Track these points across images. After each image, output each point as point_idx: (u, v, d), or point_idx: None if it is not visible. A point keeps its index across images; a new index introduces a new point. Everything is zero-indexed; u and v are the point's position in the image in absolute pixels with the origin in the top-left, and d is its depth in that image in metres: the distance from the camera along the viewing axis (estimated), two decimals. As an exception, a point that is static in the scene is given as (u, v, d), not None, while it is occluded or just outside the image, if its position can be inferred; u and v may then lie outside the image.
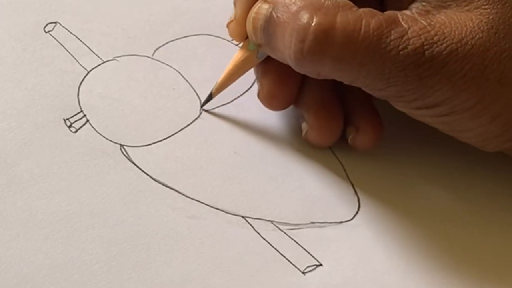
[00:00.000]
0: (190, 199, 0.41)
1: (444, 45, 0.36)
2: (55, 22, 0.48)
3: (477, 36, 0.36)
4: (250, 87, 0.46)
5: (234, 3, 0.41)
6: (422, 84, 0.36)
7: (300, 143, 0.43)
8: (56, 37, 0.47)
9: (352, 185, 0.42)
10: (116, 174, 0.41)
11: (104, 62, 0.46)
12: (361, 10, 0.37)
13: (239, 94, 0.45)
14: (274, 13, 0.38)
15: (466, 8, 0.37)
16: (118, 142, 0.43)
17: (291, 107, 0.43)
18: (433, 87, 0.36)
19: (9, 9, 0.48)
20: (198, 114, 0.44)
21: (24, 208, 0.40)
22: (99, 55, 0.46)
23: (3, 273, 0.38)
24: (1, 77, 0.45)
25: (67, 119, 0.43)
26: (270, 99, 0.42)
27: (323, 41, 0.37)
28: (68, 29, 0.48)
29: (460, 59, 0.36)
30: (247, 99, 0.45)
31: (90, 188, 0.41)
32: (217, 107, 0.44)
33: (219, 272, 0.38)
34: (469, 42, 0.36)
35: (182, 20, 0.48)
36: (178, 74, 0.46)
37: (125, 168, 0.42)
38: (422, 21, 0.37)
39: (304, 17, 0.37)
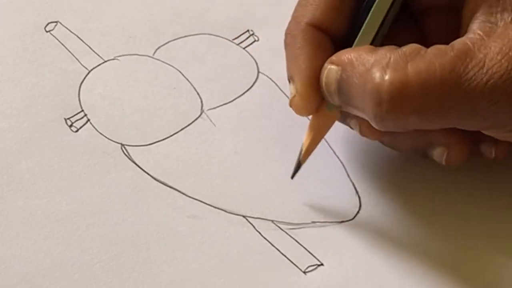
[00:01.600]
0: (190, 199, 0.41)
1: None
2: (56, 22, 0.48)
3: None
4: (251, 87, 0.46)
5: (291, 79, 0.39)
6: None
7: (300, 142, 0.43)
8: (57, 37, 0.47)
9: (353, 184, 0.42)
10: (117, 173, 0.41)
11: (105, 61, 0.46)
12: (430, 52, 0.36)
13: (240, 94, 0.45)
14: (343, 75, 0.37)
15: None
16: (119, 141, 0.43)
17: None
18: None
19: (9, 8, 0.48)
20: (198, 113, 0.44)
21: (24, 208, 0.40)
22: (100, 55, 0.46)
23: (3, 273, 0.38)
24: (2, 76, 0.45)
25: (68, 118, 0.43)
26: (373, 131, 0.39)
27: (400, 99, 0.35)
28: (69, 28, 0.48)
29: None
30: (247, 99, 0.45)
31: (90, 188, 0.41)
32: (218, 106, 0.44)
33: (220, 272, 0.38)
34: None
35: (183, 19, 0.48)
36: (179, 73, 0.46)
37: (126, 167, 0.42)
38: (496, 44, 0.35)
39: (375, 77, 0.35)
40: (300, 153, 0.40)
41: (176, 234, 0.39)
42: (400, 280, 0.39)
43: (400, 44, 0.37)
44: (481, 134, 0.38)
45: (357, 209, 0.41)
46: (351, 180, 0.42)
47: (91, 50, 0.47)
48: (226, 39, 0.47)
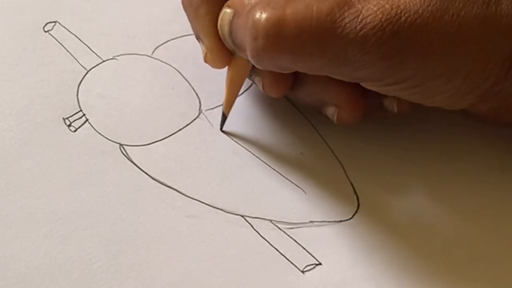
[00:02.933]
0: (189, 198, 0.41)
1: (403, 18, 0.35)
2: (55, 22, 0.48)
3: (433, 2, 0.36)
4: (249, 87, 0.46)
5: (198, 38, 0.41)
6: (390, 63, 0.36)
7: (300, 142, 0.43)
8: (55, 37, 0.47)
9: (351, 184, 0.42)
10: (116, 173, 0.41)
11: (104, 61, 0.46)
12: None
13: (238, 94, 0.45)
14: (235, 17, 0.38)
15: None
16: (118, 141, 0.43)
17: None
18: (401, 63, 0.36)
19: (8, 8, 0.48)
20: (197, 113, 0.44)
21: (23, 207, 0.40)
22: (99, 54, 0.46)
23: (3, 272, 0.38)
24: (1, 76, 0.45)
25: (67, 118, 0.44)
26: (275, 87, 0.42)
27: (275, 36, 0.36)
28: (68, 28, 0.48)
29: (422, 29, 0.35)
30: (246, 99, 0.45)
31: (89, 187, 0.41)
32: (217, 106, 0.44)
33: (218, 271, 0.38)
34: (427, 10, 0.36)
35: (182, 19, 0.48)
36: (178, 73, 0.46)
37: (125, 167, 0.42)
38: None
39: (255, 14, 0.37)
40: (223, 104, 0.42)
41: (175, 233, 0.39)
42: (398, 280, 0.39)
43: None
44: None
45: (355, 209, 0.41)
46: (349, 180, 0.42)
47: (89, 50, 0.47)
48: (225, 39, 0.47)
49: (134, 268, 0.38)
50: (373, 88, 0.38)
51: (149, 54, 0.47)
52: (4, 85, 0.45)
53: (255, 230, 0.40)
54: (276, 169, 0.42)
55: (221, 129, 0.43)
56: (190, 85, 0.45)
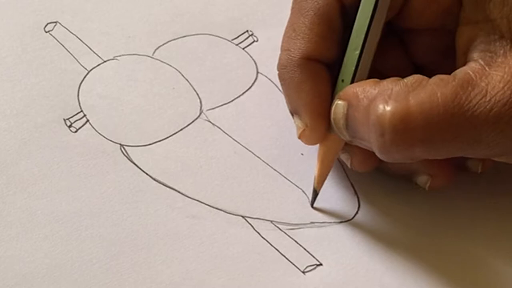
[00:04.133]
0: (190, 199, 0.41)
1: None
2: (55, 22, 0.48)
3: None
4: (250, 87, 0.46)
5: (295, 114, 0.40)
6: None
7: (300, 143, 0.43)
8: (56, 37, 0.47)
9: (352, 185, 0.42)
10: (116, 173, 0.41)
11: (104, 61, 0.46)
12: (432, 82, 0.36)
13: (239, 94, 0.45)
14: (350, 110, 0.37)
15: None
16: (118, 142, 0.43)
17: None
18: None
19: (9, 9, 0.48)
20: (198, 113, 0.44)
21: (23, 208, 0.40)
22: (99, 55, 0.46)
23: (3, 273, 0.38)
24: (1, 77, 0.45)
25: (67, 119, 0.44)
26: (364, 163, 0.41)
27: (402, 129, 0.35)
28: (68, 28, 0.48)
29: None
30: (246, 100, 0.45)
31: (90, 188, 0.41)
32: (217, 107, 0.44)
33: (219, 272, 0.38)
34: None
35: (182, 19, 0.48)
36: (178, 73, 0.46)
37: (125, 168, 0.42)
38: (497, 73, 0.35)
39: (378, 108, 0.36)
40: (314, 181, 0.41)
41: (175, 234, 0.39)
42: (399, 280, 0.39)
43: (387, 66, 0.38)
44: None
45: (356, 210, 0.41)
46: (350, 181, 0.42)
47: (90, 50, 0.47)
48: (226, 39, 0.47)
49: (134, 268, 0.38)
50: (503, 160, 0.37)
51: (150, 55, 0.47)
52: (4, 85, 0.45)
53: (255, 230, 0.40)
54: (277, 170, 0.42)
55: (312, 205, 0.41)
56: (191, 85, 0.45)
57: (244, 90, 0.45)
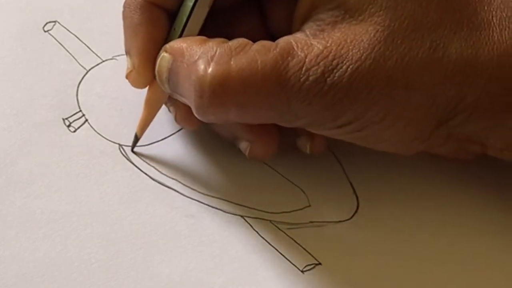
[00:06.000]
0: (189, 199, 0.41)
1: (345, 67, 0.35)
2: (54, 21, 0.48)
3: (376, 48, 0.35)
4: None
5: (128, 53, 0.40)
6: (331, 111, 0.36)
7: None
8: (55, 36, 0.47)
9: (351, 184, 0.42)
10: (115, 173, 0.41)
11: (103, 61, 0.46)
12: (255, 48, 0.36)
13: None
14: (174, 64, 0.38)
15: (360, 18, 0.36)
16: (117, 141, 0.43)
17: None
18: (342, 110, 0.36)
19: (8, 8, 0.48)
20: (197, 113, 0.44)
21: (22, 207, 0.40)
22: (98, 54, 0.46)
23: (2, 272, 0.38)
24: (0, 76, 0.45)
25: (66, 118, 0.44)
26: (188, 120, 0.41)
27: (221, 93, 0.36)
28: (67, 28, 0.48)
29: (364, 77, 0.35)
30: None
31: (88, 188, 0.41)
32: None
33: (218, 271, 0.38)
34: (369, 57, 0.35)
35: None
36: (177, 73, 0.46)
37: (124, 167, 0.42)
38: (318, 46, 0.35)
39: (199, 69, 0.36)
40: (137, 125, 0.42)
41: (174, 234, 0.39)
42: (398, 280, 0.39)
43: (241, 31, 0.39)
44: (297, 128, 0.39)
45: (354, 209, 0.41)
46: (348, 180, 0.42)
47: (89, 50, 0.47)
48: (224, 39, 0.47)
49: (133, 268, 0.38)
50: (317, 132, 0.38)
51: (149, 54, 0.47)
52: (3, 85, 0.45)
53: (254, 230, 0.40)
54: (276, 170, 0.42)
55: (132, 150, 0.42)
56: (190, 85, 0.45)
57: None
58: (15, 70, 0.45)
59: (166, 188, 0.41)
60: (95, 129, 0.43)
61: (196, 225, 0.40)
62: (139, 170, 0.42)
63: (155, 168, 0.42)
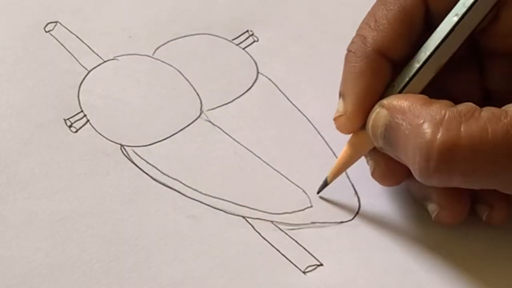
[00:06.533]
0: (190, 199, 0.41)
1: None
2: (56, 22, 0.48)
3: None
4: (250, 87, 0.46)
5: (342, 96, 0.39)
6: None
7: (300, 143, 0.43)
8: (56, 37, 0.47)
9: (353, 185, 0.42)
10: (116, 174, 0.41)
11: (105, 61, 0.46)
12: (485, 115, 0.35)
13: (239, 95, 0.45)
14: (393, 121, 0.37)
15: None
16: (119, 142, 0.43)
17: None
18: None
19: (9, 8, 0.48)
20: (198, 114, 0.44)
21: (24, 208, 0.40)
22: (100, 55, 0.46)
23: (3, 273, 0.38)
24: (1, 77, 0.45)
25: (68, 119, 0.43)
26: (386, 177, 0.40)
27: (449, 159, 0.35)
28: (69, 28, 0.48)
29: None
30: (246, 100, 0.45)
31: (90, 188, 0.41)
32: (217, 107, 0.44)
33: (220, 272, 0.38)
34: None
35: (183, 19, 0.48)
36: (179, 73, 0.46)
37: (126, 168, 0.42)
38: None
39: (427, 133, 0.35)
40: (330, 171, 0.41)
41: (176, 234, 0.39)
42: (399, 280, 0.39)
43: (456, 88, 0.38)
44: (479, 195, 0.39)
45: (356, 210, 0.41)
46: (350, 181, 0.42)
47: (90, 50, 0.47)
48: (226, 39, 0.47)
49: (135, 268, 0.38)
50: None
51: (150, 55, 0.47)
52: (4, 85, 0.45)
53: (256, 231, 0.40)
54: (277, 170, 0.42)
55: (318, 192, 0.41)
56: (191, 85, 0.45)
57: (244, 91, 0.45)
58: (16, 71, 0.45)
59: (168, 189, 0.41)
60: (97, 130, 0.43)
61: (197, 225, 0.40)
62: (140, 171, 0.42)
63: (157, 169, 0.42)
